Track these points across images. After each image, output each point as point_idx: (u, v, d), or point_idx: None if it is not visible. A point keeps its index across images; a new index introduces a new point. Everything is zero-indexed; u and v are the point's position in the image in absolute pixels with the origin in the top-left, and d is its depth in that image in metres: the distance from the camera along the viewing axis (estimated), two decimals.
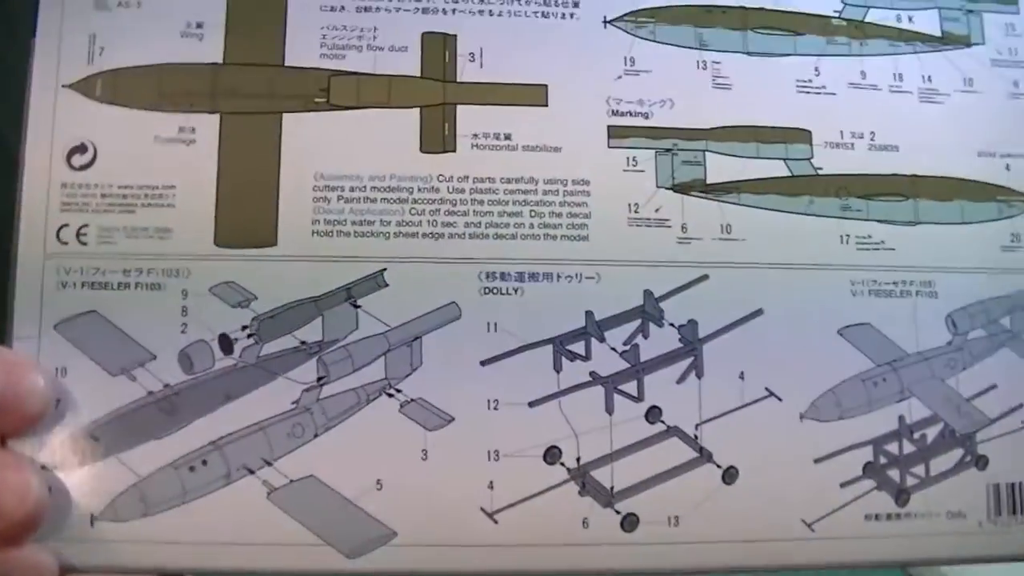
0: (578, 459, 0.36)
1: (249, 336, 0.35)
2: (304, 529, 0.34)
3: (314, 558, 0.34)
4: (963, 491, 0.37)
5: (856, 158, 0.39)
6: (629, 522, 0.36)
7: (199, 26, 0.37)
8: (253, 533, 0.34)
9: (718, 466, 0.36)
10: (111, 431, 0.34)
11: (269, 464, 0.35)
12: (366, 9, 0.38)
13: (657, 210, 0.37)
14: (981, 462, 0.38)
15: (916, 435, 0.37)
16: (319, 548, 0.34)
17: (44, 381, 0.34)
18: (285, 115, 0.37)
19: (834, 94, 0.39)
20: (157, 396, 0.35)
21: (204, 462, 0.34)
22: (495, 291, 0.36)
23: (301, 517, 0.35)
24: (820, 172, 0.38)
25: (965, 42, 0.40)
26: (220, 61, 0.37)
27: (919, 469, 0.37)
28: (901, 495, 0.37)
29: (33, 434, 0.34)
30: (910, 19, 0.40)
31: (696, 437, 0.36)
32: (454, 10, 0.38)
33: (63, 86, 0.36)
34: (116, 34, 0.36)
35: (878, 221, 0.38)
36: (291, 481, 0.35)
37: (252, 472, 0.35)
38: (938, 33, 0.40)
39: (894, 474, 0.37)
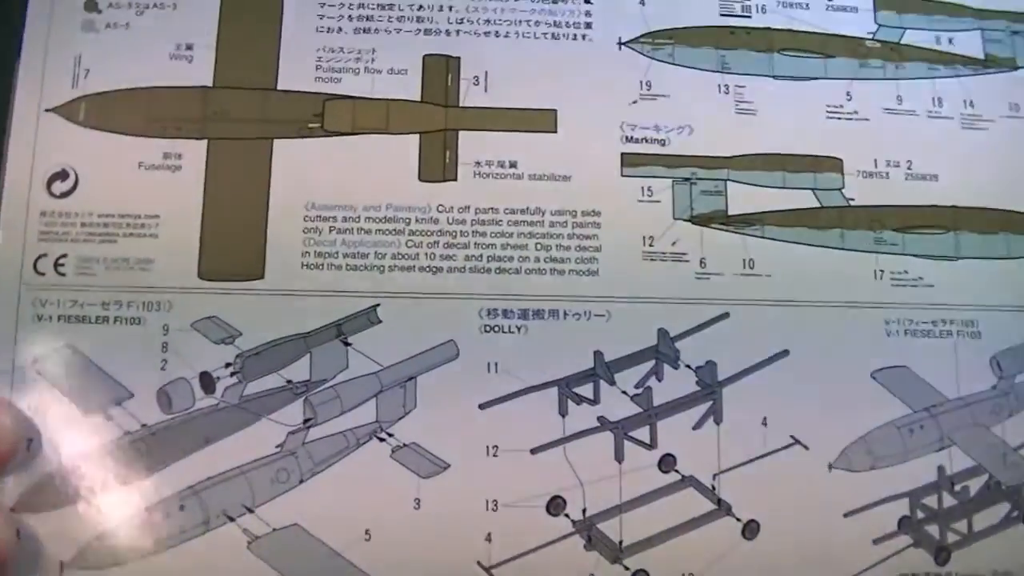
0: (584, 510, 0.33)
1: (232, 374, 0.33)
2: None
3: None
4: (1010, 548, 0.34)
5: (892, 188, 0.36)
6: None
7: (189, 48, 0.35)
8: None
9: (738, 519, 0.34)
10: (83, 473, 0.32)
11: (251, 511, 0.32)
12: (364, 31, 0.36)
13: (674, 243, 0.35)
14: None
15: (957, 487, 0.34)
16: None
17: (13, 420, 0.32)
18: (276, 141, 0.35)
19: (867, 120, 0.36)
20: (134, 436, 0.33)
21: (181, 507, 0.32)
22: (496, 329, 0.34)
23: (284, 569, 0.32)
24: (852, 203, 0.36)
25: (1010, 65, 0.38)
26: (210, 84, 0.35)
27: (961, 525, 0.34)
28: (941, 553, 0.34)
29: (4, 475, 0.32)
30: (950, 41, 0.38)
31: (714, 488, 0.34)
32: (458, 31, 0.36)
33: (46, 110, 0.35)
34: (102, 56, 0.35)
35: (915, 256, 0.36)
36: (274, 530, 0.32)
37: (232, 519, 0.32)
38: (981, 55, 0.38)
39: (933, 530, 0.34)
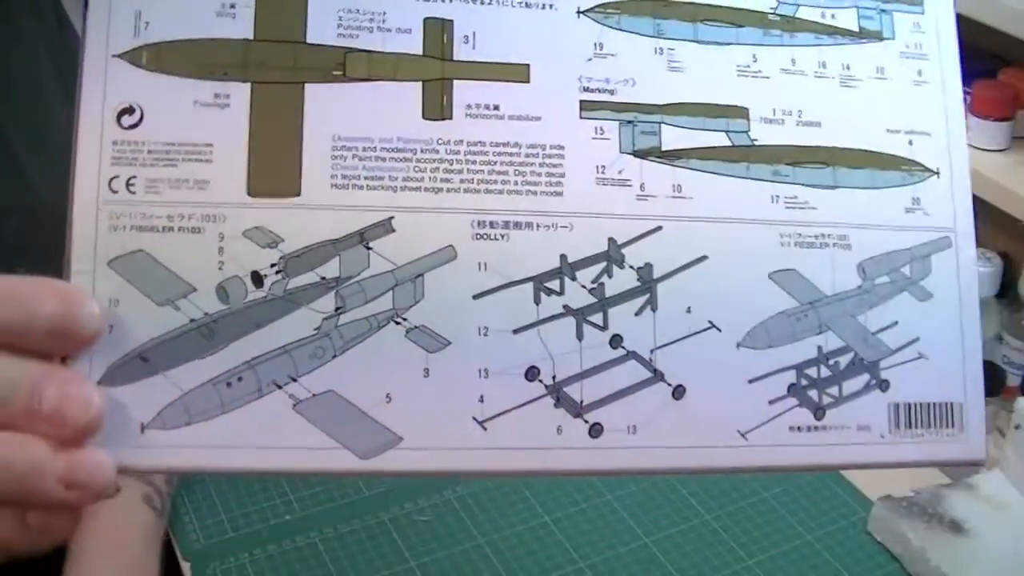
0: (554, 377, 0.43)
1: (277, 273, 0.41)
2: (324, 435, 0.41)
3: (333, 460, 0.41)
4: (869, 408, 0.45)
5: (786, 132, 0.46)
6: (595, 430, 0.43)
7: (232, 6, 0.43)
8: (281, 439, 0.41)
9: (669, 384, 0.44)
10: (158, 353, 0.40)
11: (295, 380, 0.41)
12: None
13: (620, 172, 0.44)
14: (884, 385, 0.45)
15: (831, 362, 0.45)
16: (337, 451, 0.41)
17: (98, 308, 0.39)
18: (307, 85, 0.43)
19: (768, 78, 0.46)
20: (198, 323, 0.41)
21: (239, 379, 0.41)
22: (485, 236, 0.43)
23: (322, 425, 0.41)
24: (756, 143, 0.46)
25: (878, 37, 0.48)
26: (251, 37, 0.43)
27: (833, 390, 0.45)
28: (818, 411, 0.45)
29: (93, 357, 0.39)
30: (833, 16, 0.48)
31: (651, 360, 0.44)
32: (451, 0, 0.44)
33: (113, 55, 0.42)
34: (159, 11, 0.42)
35: (803, 185, 0.46)
36: (313, 395, 0.41)
37: (280, 387, 0.41)
38: (856, 28, 0.48)
39: (813, 394, 0.45)
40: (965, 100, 1.19)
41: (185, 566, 0.57)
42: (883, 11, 0.48)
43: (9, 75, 0.53)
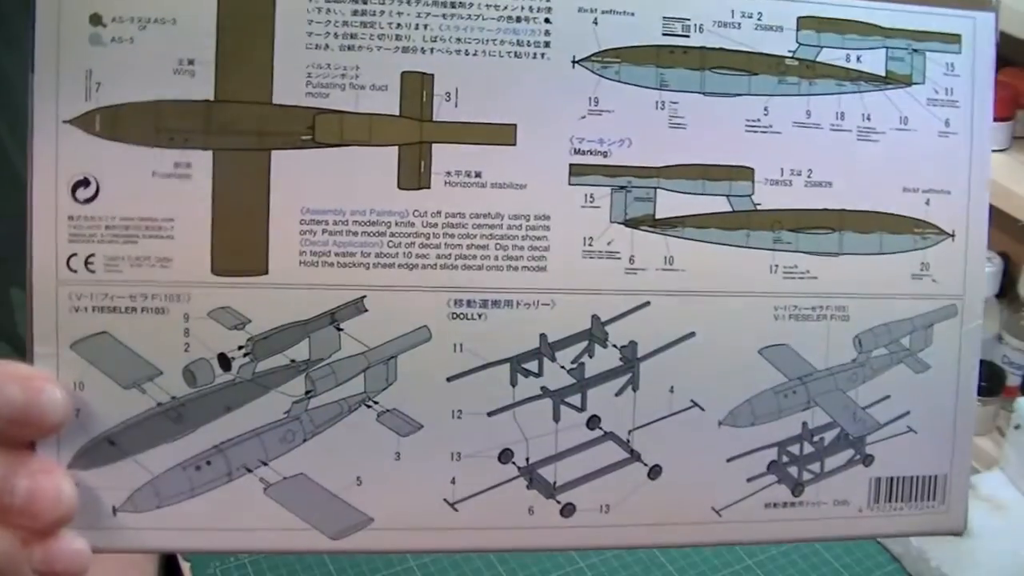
0: (527, 459, 0.42)
1: (245, 355, 0.40)
2: (295, 517, 0.41)
3: (304, 540, 0.41)
4: (849, 484, 0.45)
5: (793, 194, 0.43)
6: (567, 510, 0.43)
7: (191, 63, 0.39)
8: (252, 521, 0.41)
9: (645, 464, 0.43)
10: (126, 437, 0.40)
11: (265, 464, 0.41)
12: (349, 48, 0.40)
13: (609, 243, 0.42)
14: (868, 460, 0.45)
15: (816, 438, 0.44)
16: (308, 532, 0.41)
17: (61, 393, 0.39)
18: (274, 152, 0.40)
19: (779, 133, 0.42)
20: (165, 407, 0.40)
21: (208, 463, 0.40)
22: (462, 316, 0.41)
23: (293, 507, 0.41)
24: (758, 207, 0.43)
25: (906, 81, 0.44)
26: (211, 98, 0.39)
27: (815, 466, 0.44)
28: (797, 487, 0.44)
29: (60, 441, 0.39)
30: (858, 59, 0.43)
31: (628, 441, 0.43)
32: (432, 49, 0.40)
33: (63, 121, 0.39)
34: (112, 70, 0.39)
35: (805, 252, 0.43)
36: (284, 478, 0.41)
37: (250, 471, 0.41)
38: (882, 73, 0.43)
39: (793, 470, 0.44)
40: None
41: (185, 566, 0.59)
42: (915, 51, 0.43)
43: (5, 83, 0.51)
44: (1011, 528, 0.65)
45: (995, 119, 1.15)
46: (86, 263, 0.39)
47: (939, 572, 0.63)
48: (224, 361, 0.40)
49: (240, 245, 0.40)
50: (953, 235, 0.44)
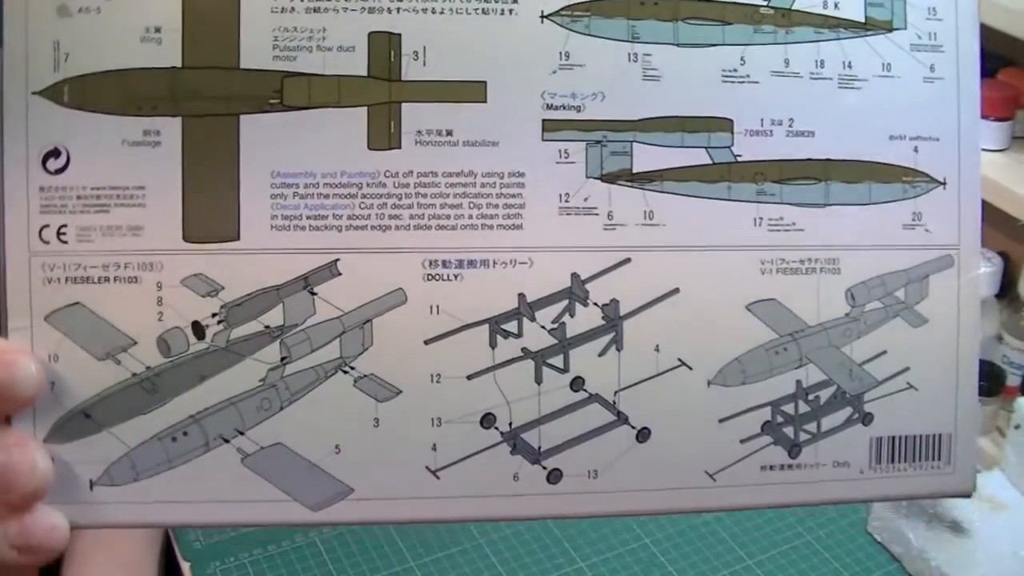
0: (510, 423, 0.41)
1: (219, 323, 0.40)
2: (274, 488, 0.40)
3: (283, 512, 0.40)
4: (848, 444, 0.43)
5: (774, 145, 0.42)
6: (554, 476, 0.41)
7: (157, 31, 0.39)
8: (230, 492, 0.40)
9: (633, 427, 0.42)
10: (101, 409, 0.39)
11: (242, 434, 0.40)
12: (315, 10, 0.40)
13: (586, 199, 0.41)
14: (867, 419, 0.43)
15: (811, 397, 0.43)
16: (287, 504, 0.40)
17: (36, 366, 0.38)
18: (242, 117, 0.39)
19: (757, 83, 0.42)
20: (140, 377, 0.39)
21: (185, 433, 0.40)
22: (437, 277, 0.40)
23: (271, 478, 0.40)
24: (739, 159, 0.42)
25: (887, 27, 0.42)
26: (179, 65, 0.39)
27: (812, 426, 0.43)
28: (793, 449, 0.43)
29: (36, 414, 0.39)
30: (836, 5, 0.42)
31: (614, 403, 0.42)
32: (398, 8, 0.40)
33: (32, 93, 0.39)
34: (79, 41, 0.39)
35: (790, 204, 0.42)
36: (261, 448, 0.40)
37: (227, 441, 0.40)
38: (862, 19, 0.42)
39: (789, 431, 0.42)
40: None
41: (185, 566, 0.59)
42: None
43: None
44: (1011, 528, 0.63)
45: (995, 119, 1.17)
46: (58, 234, 0.39)
47: (939, 572, 0.60)
48: (198, 329, 0.40)
49: (211, 211, 0.40)
50: (944, 183, 0.43)
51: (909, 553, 0.62)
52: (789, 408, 0.43)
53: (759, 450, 0.42)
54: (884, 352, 0.43)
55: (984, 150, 1.13)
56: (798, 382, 0.43)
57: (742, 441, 0.42)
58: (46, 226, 0.39)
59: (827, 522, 0.65)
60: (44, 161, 0.39)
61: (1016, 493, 0.66)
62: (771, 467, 0.43)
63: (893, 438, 0.43)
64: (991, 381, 1.17)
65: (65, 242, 0.39)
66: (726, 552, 0.63)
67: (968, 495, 0.44)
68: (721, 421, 0.42)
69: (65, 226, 0.39)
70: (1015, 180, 1.10)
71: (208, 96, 0.39)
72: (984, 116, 1.14)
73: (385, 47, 0.40)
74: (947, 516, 0.63)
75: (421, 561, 0.60)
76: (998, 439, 1.12)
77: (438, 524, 0.51)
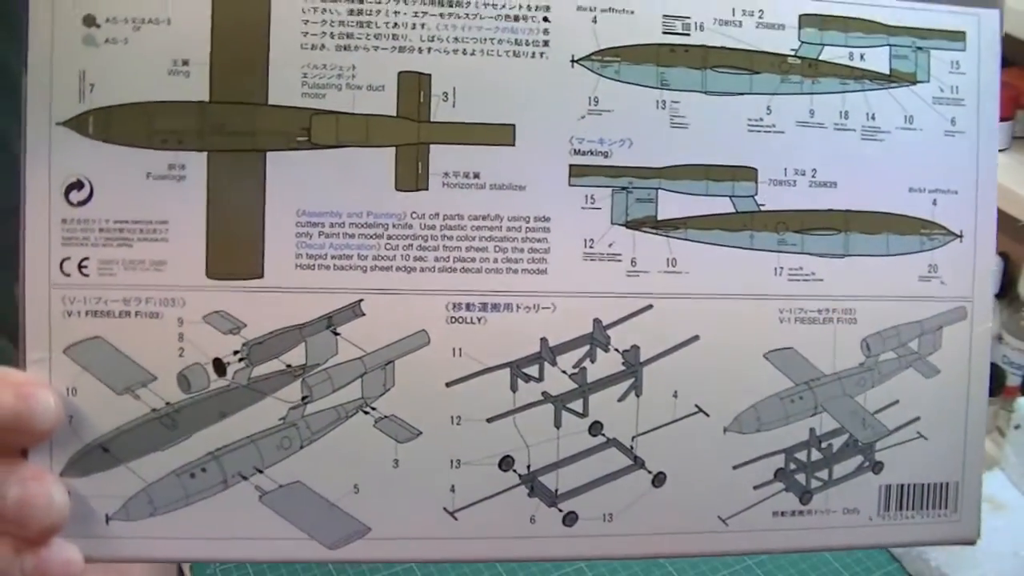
0: (528, 466, 0.41)
1: (240, 360, 0.39)
2: (291, 526, 0.40)
3: (300, 550, 0.40)
4: (859, 491, 0.44)
5: (797, 194, 0.42)
6: (570, 519, 0.42)
7: (185, 63, 0.38)
8: (247, 529, 0.40)
9: (649, 472, 0.42)
10: (119, 443, 0.39)
11: (260, 472, 0.40)
12: (345, 48, 0.39)
13: (610, 245, 0.41)
14: (878, 467, 0.44)
15: (824, 444, 0.43)
16: (305, 542, 0.40)
17: (54, 399, 0.38)
18: (269, 153, 0.39)
19: (783, 132, 0.42)
20: (159, 413, 0.39)
21: (203, 470, 0.40)
22: (461, 320, 0.40)
23: (289, 516, 0.40)
24: (762, 208, 0.42)
25: (911, 80, 0.43)
26: (206, 99, 0.39)
27: (823, 473, 0.43)
28: (805, 495, 0.43)
29: (53, 448, 0.38)
30: (862, 57, 0.42)
31: (632, 448, 0.42)
32: (429, 48, 0.40)
33: (57, 123, 0.38)
34: (105, 71, 0.38)
35: (810, 254, 0.42)
36: (280, 486, 0.40)
37: (246, 478, 0.40)
38: (887, 71, 0.43)
39: (801, 478, 0.43)
40: None
41: (185, 566, 0.59)
42: (919, 49, 0.43)
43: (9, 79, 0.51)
44: (1011, 528, 0.64)
45: None
46: (79, 267, 0.39)
47: (939, 572, 0.61)
48: (219, 366, 0.39)
49: (235, 248, 0.39)
50: (961, 236, 0.44)
51: (909, 553, 0.63)
52: (802, 455, 0.43)
53: (771, 496, 0.43)
54: (896, 402, 0.44)
55: None
56: (811, 430, 0.43)
57: (755, 487, 0.43)
58: (67, 258, 0.39)
59: None
60: (67, 193, 0.38)
61: (1016, 493, 0.67)
62: (783, 513, 0.43)
63: (902, 486, 0.44)
64: (991, 381, 1.18)
65: (86, 275, 0.39)
66: None
67: (973, 543, 0.45)
68: (735, 467, 0.43)
69: (87, 259, 0.39)
70: (1015, 180, 1.10)
71: (235, 131, 0.39)
72: None
73: (415, 87, 0.40)
74: None
75: None
76: (998, 439, 1.13)
77: (454, 563, 0.51)
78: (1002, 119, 1.15)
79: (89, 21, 0.38)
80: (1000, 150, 1.16)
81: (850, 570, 0.63)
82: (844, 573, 0.62)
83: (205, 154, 0.39)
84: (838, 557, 0.63)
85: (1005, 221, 1.11)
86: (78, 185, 0.39)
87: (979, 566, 0.61)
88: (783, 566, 0.63)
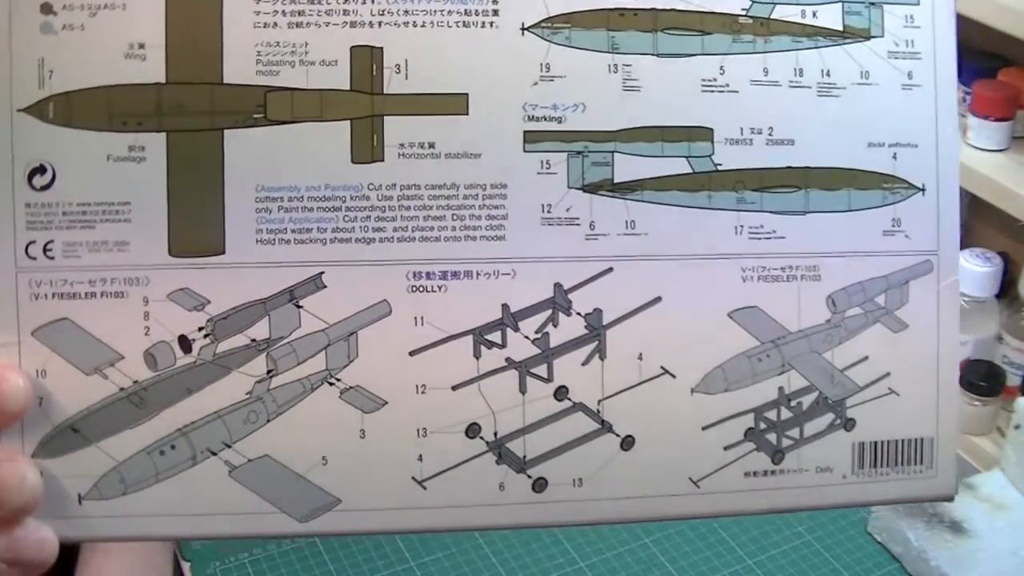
0: (495, 433, 0.41)
1: (205, 336, 0.40)
2: (262, 500, 0.40)
3: (271, 524, 0.41)
4: (831, 449, 0.43)
5: (754, 153, 0.42)
6: (539, 485, 0.42)
7: (141, 47, 0.39)
8: (218, 505, 0.40)
9: (617, 435, 0.42)
10: (89, 423, 0.40)
11: (229, 447, 0.40)
12: (297, 24, 0.40)
13: (568, 210, 0.41)
14: (849, 424, 0.43)
15: (793, 403, 0.43)
16: (275, 515, 0.40)
17: (24, 381, 0.39)
18: (226, 131, 0.40)
19: (737, 92, 0.42)
20: (128, 391, 0.40)
21: (173, 447, 0.40)
22: (421, 289, 0.41)
23: (259, 490, 0.40)
24: (719, 167, 0.42)
25: (865, 35, 0.43)
26: (163, 80, 0.39)
27: (794, 432, 0.43)
28: (776, 455, 0.43)
29: (24, 430, 0.39)
30: (815, 14, 0.43)
31: (598, 411, 0.42)
32: (380, 22, 0.40)
33: (17, 110, 0.39)
34: (64, 57, 0.39)
35: (771, 212, 0.42)
36: (248, 460, 0.40)
37: (214, 454, 0.40)
38: (840, 27, 0.43)
39: (772, 437, 0.43)
40: (964, 100, 1.15)
41: (185, 566, 0.59)
42: (872, 4, 0.43)
43: None
44: (1011, 528, 0.63)
45: (995, 119, 1.17)
46: (44, 250, 0.40)
47: (939, 572, 0.61)
48: (184, 343, 0.40)
49: (196, 226, 0.40)
50: (923, 189, 0.43)
51: (909, 553, 0.63)
52: (772, 414, 0.43)
53: (742, 456, 0.43)
54: (865, 358, 0.43)
55: (984, 150, 1.16)
56: (780, 388, 0.43)
57: (725, 448, 0.43)
58: (32, 242, 0.40)
59: (827, 522, 0.66)
60: (30, 178, 0.39)
61: (1016, 493, 0.66)
62: (755, 473, 0.43)
63: (875, 443, 0.44)
64: (991, 381, 1.17)
65: (51, 258, 0.40)
66: (726, 552, 0.64)
67: (950, 499, 0.44)
68: (704, 428, 0.43)
69: (51, 242, 0.40)
70: (1015, 180, 1.10)
71: (192, 111, 0.40)
72: (984, 116, 1.17)
73: (367, 61, 0.40)
74: (947, 516, 0.63)
75: (421, 561, 0.60)
76: (998, 439, 1.12)
77: (424, 534, 0.51)
78: (1002, 119, 1.16)
79: (46, 9, 0.39)
80: (1000, 150, 1.16)
81: (850, 570, 0.62)
82: (844, 573, 0.62)
83: (164, 135, 0.40)
84: (838, 557, 0.63)
85: (1005, 221, 1.11)
86: (40, 170, 0.39)
87: (979, 566, 0.61)
88: (783, 566, 0.62)
